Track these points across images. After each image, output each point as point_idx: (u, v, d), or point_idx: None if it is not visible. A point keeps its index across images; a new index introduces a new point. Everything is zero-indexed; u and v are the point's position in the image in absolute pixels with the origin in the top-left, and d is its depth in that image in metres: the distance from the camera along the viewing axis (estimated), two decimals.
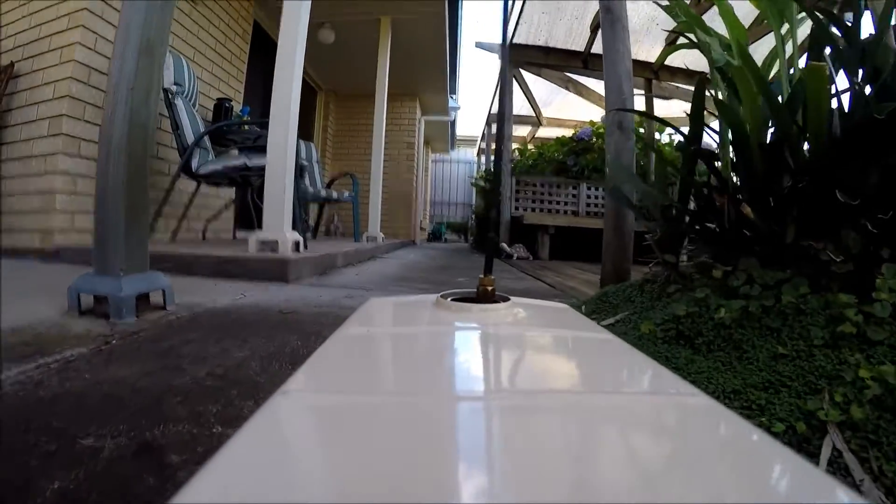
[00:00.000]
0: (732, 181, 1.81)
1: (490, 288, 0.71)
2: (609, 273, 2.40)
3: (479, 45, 7.64)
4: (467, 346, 0.58)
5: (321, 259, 3.16)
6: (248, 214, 5.42)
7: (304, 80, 8.20)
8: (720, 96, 1.96)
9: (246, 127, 4.91)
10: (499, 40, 7.65)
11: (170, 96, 3.87)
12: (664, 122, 1.92)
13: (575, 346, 0.60)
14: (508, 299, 0.71)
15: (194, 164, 3.74)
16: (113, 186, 1.70)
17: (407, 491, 0.23)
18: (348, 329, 0.59)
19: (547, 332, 0.64)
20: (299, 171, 3.75)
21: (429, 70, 8.05)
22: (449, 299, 0.70)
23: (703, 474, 0.28)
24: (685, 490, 0.25)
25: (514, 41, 7.11)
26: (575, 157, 7.52)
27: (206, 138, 4.04)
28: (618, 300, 2.02)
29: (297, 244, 2.99)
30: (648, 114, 2.07)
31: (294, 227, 3.96)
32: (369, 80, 6.58)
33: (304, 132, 8.17)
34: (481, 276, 0.72)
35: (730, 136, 1.77)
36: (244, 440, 0.28)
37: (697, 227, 1.88)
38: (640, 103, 7.92)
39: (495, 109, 10.75)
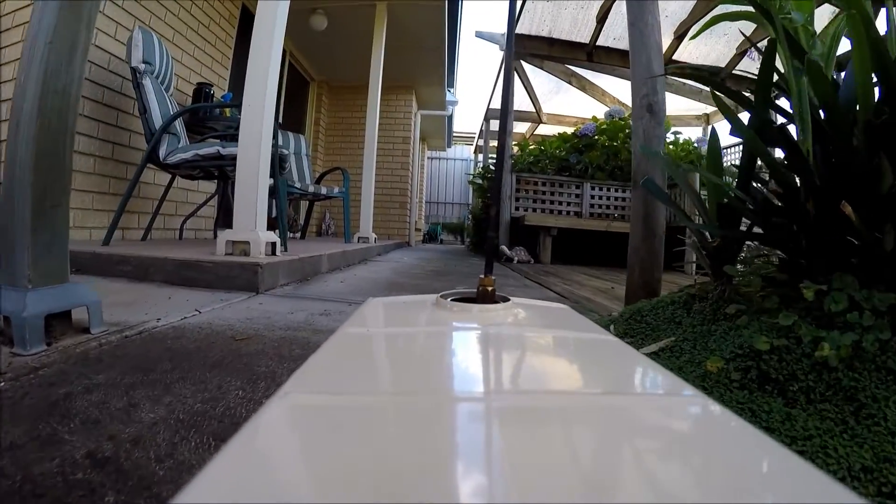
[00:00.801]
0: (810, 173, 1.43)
1: (490, 288, 0.70)
2: (636, 284, 2.03)
3: (479, 34, 7.26)
4: (467, 346, 0.57)
5: (301, 264, 2.77)
6: (230, 211, 5.04)
7: (295, 70, 7.90)
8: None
9: (228, 113, 4.52)
10: (500, 30, 7.26)
11: (137, 76, 3.48)
12: (734, 95, 1.54)
13: (575, 346, 0.59)
14: (508, 300, 0.70)
15: (162, 152, 3.34)
16: (20, 169, 1.32)
17: (407, 491, 0.23)
18: (348, 329, 0.57)
19: (547, 332, 0.64)
20: (279, 162, 3.36)
21: (426, 61, 7.66)
22: (449, 300, 0.70)
23: (704, 475, 0.28)
24: (685, 491, 0.25)
25: (517, 31, 6.73)
26: (578, 155, 7.14)
27: (179, 124, 3.64)
28: (657, 320, 1.65)
29: (273, 246, 2.60)
30: (707, 73, 1.68)
31: (275, 227, 3.57)
32: (364, 71, 6.21)
33: (295, 124, 7.81)
34: (481, 276, 0.71)
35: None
36: (244, 441, 0.28)
37: (763, 229, 1.51)
38: None
39: (495, 104, 10.38)
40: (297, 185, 5.05)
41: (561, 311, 0.76)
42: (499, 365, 0.51)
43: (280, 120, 7.38)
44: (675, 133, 7.97)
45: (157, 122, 3.40)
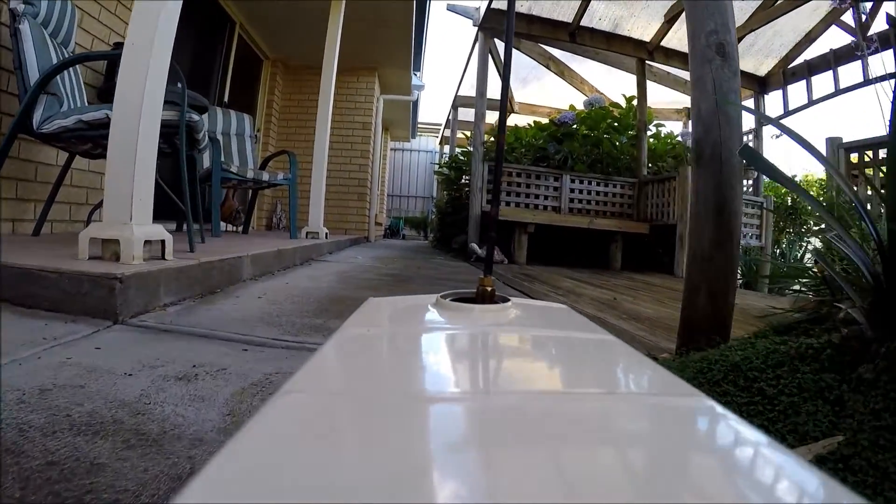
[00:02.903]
0: None
1: (490, 289, 0.68)
2: (702, 313, 1.34)
3: (451, 7, 6.49)
4: (467, 347, 0.57)
5: (203, 271, 1.97)
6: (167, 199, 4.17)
7: (246, 46, 6.99)
8: None
9: None
10: (476, 3, 6.49)
11: (16, 19, 2.62)
12: None
13: (575, 346, 0.58)
14: (508, 300, 0.69)
15: (36, 118, 2.50)
16: None
17: (406, 491, 0.23)
18: (348, 330, 0.56)
19: (547, 332, 0.62)
20: (188, 133, 2.56)
21: (392, 40, 6.85)
22: (448, 300, 0.68)
23: (702, 475, 0.27)
24: (684, 491, 0.25)
25: (493, 6, 6.00)
26: (556, 144, 6.48)
27: (68, 84, 2.81)
28: (778, 389, 0.96)
29: (162, 245, 1.82)
30: None
31: (194, 217, 2.77)
32: (323, 50, 5.37)
33: (245, 105, 6.91)
34: (481, 276, 0.70)
35: None
36: (244, 440, 0.27)
37: None
38: (630, 87, 6.96)
39: (464, 91, 9.62)
40: (233, 169, 4.25)
41: (561, 312, 0.73)
42: (499, 366, 0.51)
43: (226, 99, 6.52)
44: (658, 125, 7.42)
45: (34, 79, 2.56)
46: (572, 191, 6.24)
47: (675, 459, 0.29)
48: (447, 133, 12.36)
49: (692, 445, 0.31)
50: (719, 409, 0.34)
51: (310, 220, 4.93)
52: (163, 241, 1.81)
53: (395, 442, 0.28)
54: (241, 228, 5.63)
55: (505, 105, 0.91)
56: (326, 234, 4.99)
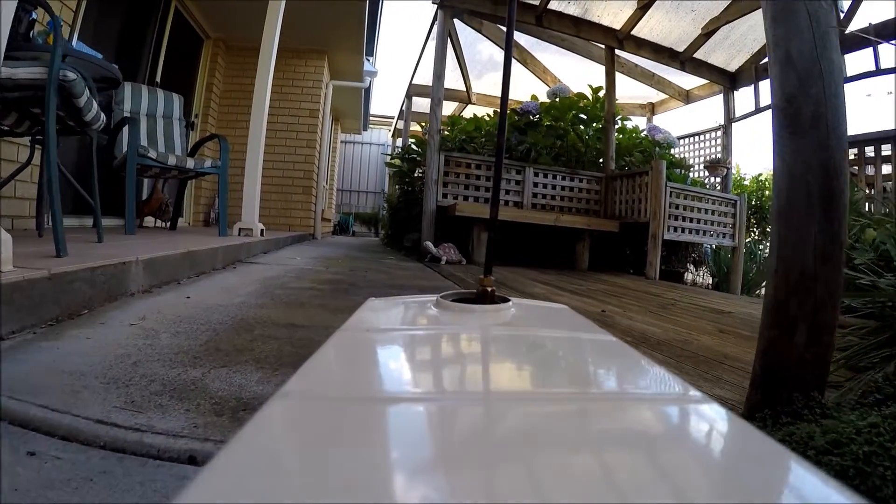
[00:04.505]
0: None
1: (490, 289, 0.67)
2: (801, 354, 0.89)
3: None
4: (467, 347, 0.56)
5: (62, 286, 1.37)
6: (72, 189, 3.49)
7: (185, 22, 6.22)
8: None
9: (51, 39, 2.97)
10: None
11: None
12: None
13: (575, 347, 0.57)
14: (508, 300, 0.67)
15: None
16: None
17: (406, 491, 0.23)
18: (348, 330, 0.55)
19: (548, 333, 0.62)
20: (65, 101, 1.98)
21: (343, 20, 6.27)
22: (449, 300, 0.66)
23: (702, 475, 0.27)
24: (683, 491, 0.24)
25: None
26: (519, 135, 6.05)
27: None
28: None
29: None
30: None
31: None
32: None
33: (182, 86, 6.19)
34: (481, 276, 0.68)
35: None
36: (244, 441, 0.27)
37: None
38: (595, 79, 6.60)
39: (419, 79, 9.10)
40: (152, 154, 3.62)
41: (561, 312, 0.73)
42: (498, 366, 0.50)
43: (158, 79, 5.80)
44: (623, 119, 7.10)
45: None
46: (536, 185, 5.82)
47: (678, 460, 0.28)
48: (400, 125, 11.79)
49: (695, 446, 0.31)
50: (722, 410, 0.33)
51: (243, 214, 4.32)
52: None
53: (395, 442, 0.29)
54: (168, 224, 4.96)
55: (506, 101, 0.82)
56: (262, 230, 4.40)
